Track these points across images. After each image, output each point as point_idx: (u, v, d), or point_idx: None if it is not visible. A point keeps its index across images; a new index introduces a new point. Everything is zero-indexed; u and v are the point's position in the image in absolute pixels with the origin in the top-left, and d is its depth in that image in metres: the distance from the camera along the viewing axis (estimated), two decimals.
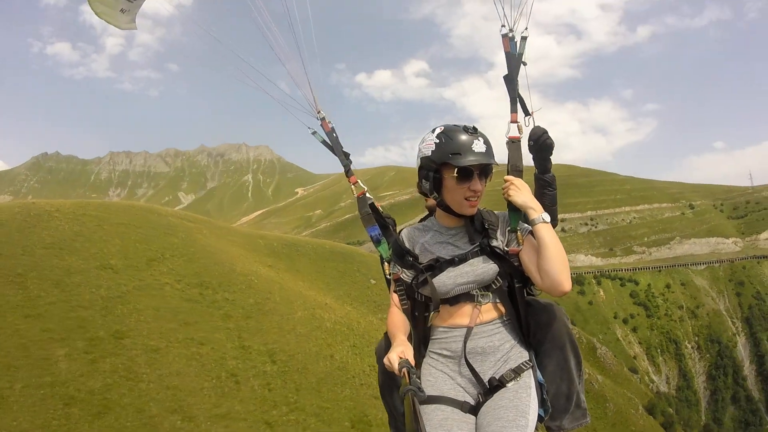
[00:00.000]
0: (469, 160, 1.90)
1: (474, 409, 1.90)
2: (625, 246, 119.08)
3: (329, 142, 2.46)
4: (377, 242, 2.24)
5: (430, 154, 1.97)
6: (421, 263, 2.03)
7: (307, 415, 16.80)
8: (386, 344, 2.10)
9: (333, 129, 2.45)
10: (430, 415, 1.85)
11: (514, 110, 2.17)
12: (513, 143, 2.14)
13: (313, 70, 2.41)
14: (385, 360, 1.83)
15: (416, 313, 2.07)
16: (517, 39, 2.23)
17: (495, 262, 1.99)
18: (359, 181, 2.37)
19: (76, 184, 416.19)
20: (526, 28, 2.22)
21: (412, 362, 1.81)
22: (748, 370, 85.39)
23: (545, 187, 2.31)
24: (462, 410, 1.88)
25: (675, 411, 56.77)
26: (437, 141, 1.96)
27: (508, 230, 2.04)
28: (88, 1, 2.63)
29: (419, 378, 1.83)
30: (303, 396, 17.57)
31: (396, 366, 1.76)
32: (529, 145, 2.21)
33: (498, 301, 2.01)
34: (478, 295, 1.99)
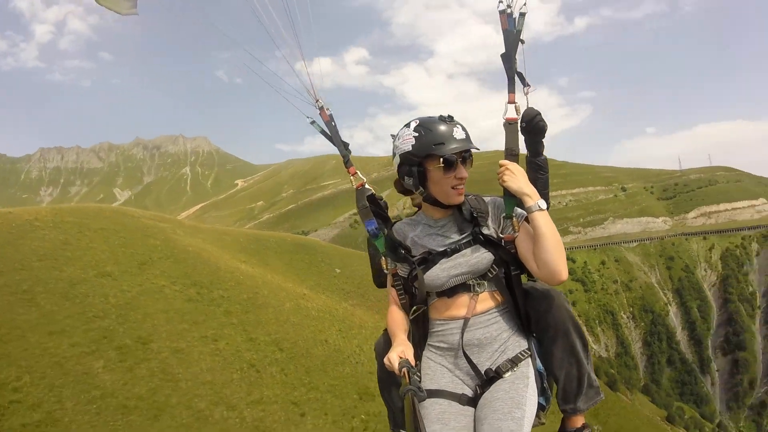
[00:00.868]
0: (452, 148, 1.89)
1: (473, 401, 1.91)
2: (562, 227, 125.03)
3: (328, 131, 2.38)
4: (375, 236, 2.18)
5: (410, 148, 1.94)
6: (414, 256, 2.03)
7: (322, 392, 19.06)
8: (386, 342, 2.11)
9: (332, 117, 2.37)
10: (428, 409, 1.85)
11: (511, 90, 2.10)
12: (510, 125, 2.08)
13: (310, 56, 2.30)
14: (386, 360, 1.86)
15: (414, 307, 2.06)
16: (516, 15, 2.13)
17: (489, 250, 1.97)
18: (358, 171, 2.32)
19: (5, 184, 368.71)
20: (525, 4, 2.12)
21: (413, 362, 1.84)
22: (680, 335, 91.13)
23: (537, 170, 2.28)
24: (460, 403, 1.89)
25: (617, 372, 62.37)
26: (416, 134, 1.93)
27: (503, 216, 2.01)
28: None
29: (419, 377, 1.86)
30: (314, 377, 19.72)
31: (396, 366, 1.78)
32: (521, 126, 2.13)
33: (495, 289, 2.01)
34: (474, 285, 1.97)
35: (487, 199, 2.08)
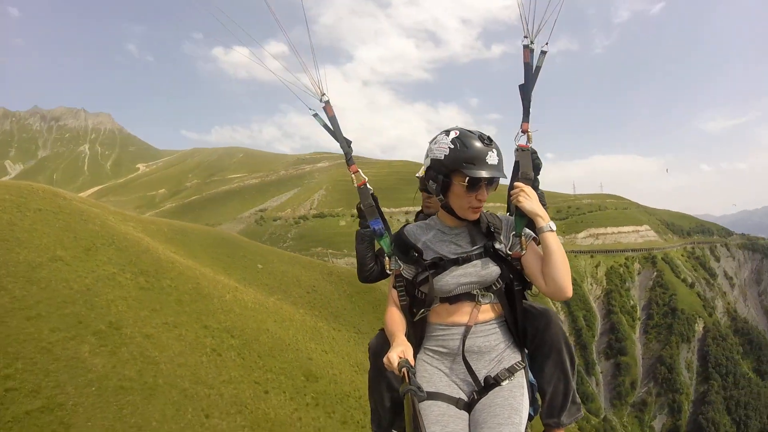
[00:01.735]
0: (481, 173, 1.92)
1: (468, 407, 1.96)
2: None
3: (331, 126, 2.40)
4: (380, 236, 2.23)
5: (442, 158, 1.97)
6: (425, 260, 2.06)
7: (276, 374, 21.25)
8: (382, 342, 2.16)
9: (334, 113, 2.39)
10: (427, 410, 1.89)
11: (525, 120, 2.19)
12: (523, 152, 2.19)
13: (318, 52, 2.32)
14: (385, 359, 1.86)
15: (414, 310, 2.09)
16: (537, 52, 2.22)
17: (498, 264, 2.04)
18: (360, 170, 2.34)
19: None
20: (547, 43, 2.22)
21: (412, 362, 1.85)
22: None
23: None
24: (457, 407, 1.93)
25: None
26: (452, 146, 1.96)
27: (512, 235, 2.08)
28: None
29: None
30: (266, 361, 21.74)
31: (395, 366, 1.79)
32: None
33: (496, 301, 2.07)
34: (478, 295, 2.04)
35: (500, 216, 2.17)
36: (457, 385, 2.01)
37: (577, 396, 2.11)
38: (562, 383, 2.05)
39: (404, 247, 2.13)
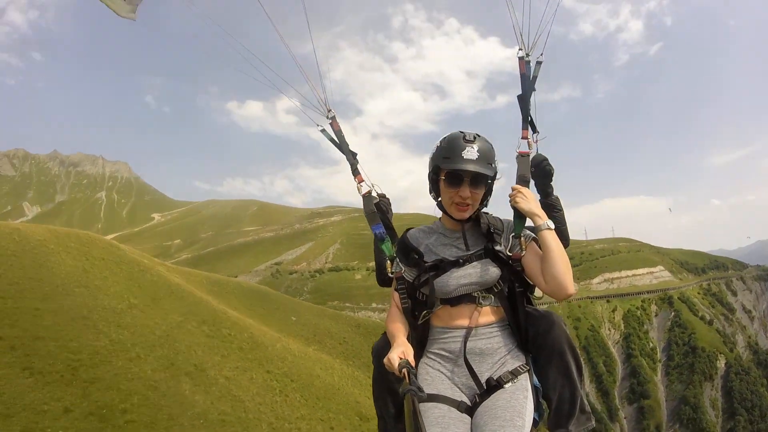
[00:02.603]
0: (454, 166, 1.98)
1: (470, 410, 1.93)
2: None
3: (337, 141, 2.50)
4: (381, 240, 2.29)
5: (432, 156, 2.09)
6: (426, 262, 2.09)
7: (334, 413, 21.65)
8: (384, 344, 2.12)
9: (340, 128, 2.51)
10: (428, 412, 1.88)
11: (525, 128, 2.26)
12: (522, 157, 2.24)
13: (324, 71, 2.41)
14: (386, 360, 1.87)
15: (416, 313, 2.11)
16: (533, 63, 2.29)
17: (498, 266, 2.05)
18: (365, 180, 2.42)
19: None
20: (542, 54, 2.28)
21: (413, 363, 1.86)
22: (589, 387, 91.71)
23: (552, 210, 2.46)
24: (458, 410, 1.92)
25: None
26: (438, 145, 2.07)
27: (512, 236, 2.10)
28: None
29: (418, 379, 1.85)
30: (324, 402, 22.21)
31: (396, 366, 1.79)
32: (531, 171, 2.28)
33: (498, 304, 2.07)
34: (479, 297, 2.04)
35: (502, 219, 2.20)
36: (459, 388, 1.99)
37: (587, 404, 2.02)
38: (568, 389, 1.97)
39: (406, 250, 2.16)
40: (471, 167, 1.97)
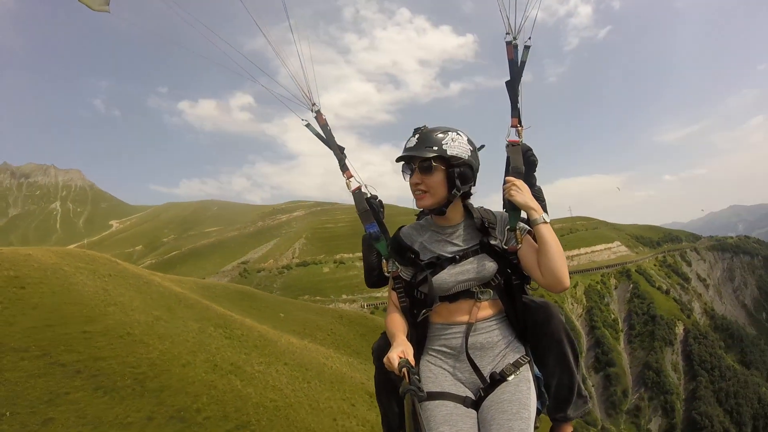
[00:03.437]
0: (400, 156, 2.03)
1: (475, 404, 1.96)
2: None
3: (323, 135, 2.43)
4: (376, 239, 2.24)
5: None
6: (422, 260, 2.08)
7: (351, 393, 24.11)
8: (384, 344, 2.12)
9: (326, 122, 2.42)
10: (434, 411, 1.90)
11: (514, 115, 2.22)
12: (513, 147, 2.21)
13: (306, 63, 2.31)
14: (385, 360, 1.86)
15: (415, 311, 2.11)
16: (521, 48, 2.26)
17: (495, 260, 2.05)
18: (354, 176, 2.35)
19: None
20: (530, 38, 2.24)
21: (413, 362, 1.85)
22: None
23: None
24: (464, 405, 1.94)
25: None
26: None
27: (507, 229, 2.09)
28: None
29: (419, 378, 1.84)
30: (340, 385, 24.49)
31: (396, 365, 1.79)
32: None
33: (496, 298, 2.08)
34: (477, 292, 2.05)
35: (494, 212, 2.17)
36: (463, 383, 2.02)
37: (583, 389, 2.09)
38: (566, 376, 2.04)
39: (401, 249, 2.15)
40: (406, 153, 2.02)
